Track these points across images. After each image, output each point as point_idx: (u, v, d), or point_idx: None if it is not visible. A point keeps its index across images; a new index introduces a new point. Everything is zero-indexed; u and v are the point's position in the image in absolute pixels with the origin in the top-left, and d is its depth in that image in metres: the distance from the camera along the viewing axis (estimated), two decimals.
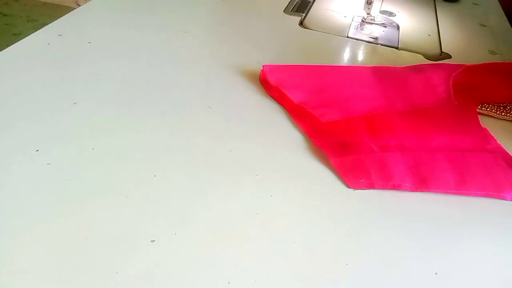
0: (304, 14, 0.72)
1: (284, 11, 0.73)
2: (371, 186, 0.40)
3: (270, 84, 0.51)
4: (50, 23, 0.59)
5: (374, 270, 0.33)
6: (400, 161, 0.42)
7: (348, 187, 0.39)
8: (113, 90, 0.49)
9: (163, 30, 0.62)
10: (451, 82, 0.54)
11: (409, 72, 0.56)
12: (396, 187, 0.40)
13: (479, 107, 0.52)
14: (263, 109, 0.48)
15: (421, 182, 0.40)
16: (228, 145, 0.42)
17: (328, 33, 0.67)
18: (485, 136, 0.47)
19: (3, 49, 0.53)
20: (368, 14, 0.70)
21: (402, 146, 0.44)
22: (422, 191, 0.40)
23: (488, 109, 0.51)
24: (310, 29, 0.68)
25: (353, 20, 0.72)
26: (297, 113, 0.48)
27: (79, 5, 0.66)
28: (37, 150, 0.39)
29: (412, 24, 0.73)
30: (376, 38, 0.67)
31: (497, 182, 0.41)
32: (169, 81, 0.51)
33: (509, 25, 0.77)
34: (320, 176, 0.40)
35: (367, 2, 0.68)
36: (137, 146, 0.41)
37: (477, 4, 0.85)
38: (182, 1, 0.72)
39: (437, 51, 0.66)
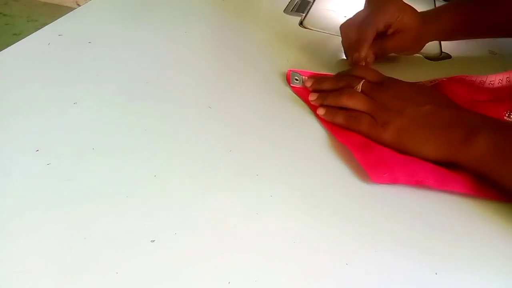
0: (304, 14, 0.72)
1: (284, 11, 0.73)
2: (395, 180, 0.39)
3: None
4: (50, 23, 0.60)
5: (374, 270, 0.33)
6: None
7: (372, 181, 0.39)
8: (113, 90, 0.49)
9: (163, 30, 0.62)
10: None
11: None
12: (419, 182, 0.39)
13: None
14: (263, 109, 0.49)
15: (444, 180, 0.40)
16: (228, 145, 0.42)
17: (328, 33, 0.67)
18: None
19: (3, 49, 0.53)
20: None
21: None
22: (444, 189, 0.40)
23: None
24: (310, 29, 0.68)
25: None
26: None
27: (79, 5, 0.66)
28: (37, 150, 0.39)
29: None
30: None
31: None
32: (169, 81, 0.51)
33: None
34: (320, 176, 0.40)
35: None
36: (137, 146, 0.41)
37: None
38: (182, 1, 0.72)
39: (437, 51, 0.66)
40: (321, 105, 0.48)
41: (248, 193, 0.38)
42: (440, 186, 0.40)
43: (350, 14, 0.72)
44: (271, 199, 0.37)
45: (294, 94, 0.51)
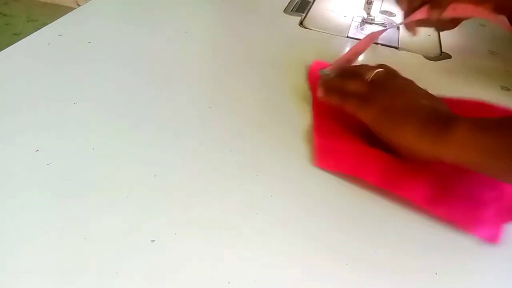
0: (304, 14, 0.72)
1: (284, 11, 0.73)
2: (335, 168, 0.40)
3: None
4: (50, 23, 0.60)
5: (374, 270, 0.33)
6: (383, 160, 0.41)
7: (313, 165, 0.41)
8: (113, 90, 0.49)
9: (163, 30, 0.62)
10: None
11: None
12: (360, 175, 0.39)
13: None
14: (263, 109, 0.49)
15: (393, 183, 0.39)
16: (228, 145, 0.42)
17: (328, 33, 0.67)
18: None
19: (3, 49, 0.53)
20: (368, 14, 0.70)
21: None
22: (389, 191, 0.39)
23: None
24: (310, 29, 0.68)
25: (353, 20, 0.72)
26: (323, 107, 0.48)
27: (79, 5, 0.66)
28: (37, 150, 0.39)
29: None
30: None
31: (476, 216, 0.37)
32: (169, 81, 0.51)
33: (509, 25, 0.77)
34: (320, 176, 0.40)
35: (367, 2, 0.68)
36: (137, 146, 0.41)
37: None
38: (182, 1, 0.72)
39: (437, 51, 0.66)
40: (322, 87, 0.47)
41: (248, 193, 0.38)
42: (385, 187, 0.39)
43: (349, 14, 0.73)
44: (271, 199, 0.37)
45: (294, 94, 0.51)
